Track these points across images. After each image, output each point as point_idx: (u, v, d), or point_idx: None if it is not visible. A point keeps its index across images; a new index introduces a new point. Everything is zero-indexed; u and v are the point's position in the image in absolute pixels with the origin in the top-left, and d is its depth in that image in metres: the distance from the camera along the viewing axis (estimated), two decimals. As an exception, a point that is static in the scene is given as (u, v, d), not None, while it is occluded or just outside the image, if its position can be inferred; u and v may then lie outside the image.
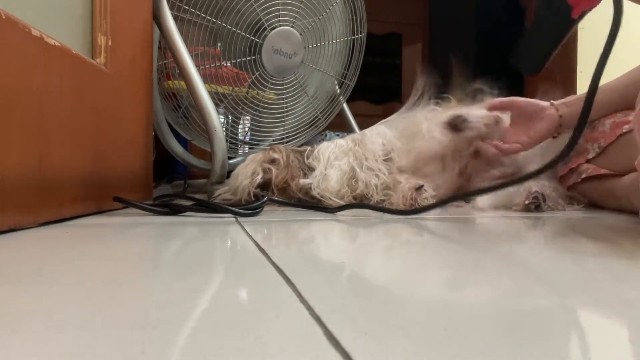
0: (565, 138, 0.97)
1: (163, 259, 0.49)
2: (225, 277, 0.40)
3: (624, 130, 0.93)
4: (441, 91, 1.04)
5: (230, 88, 1.35)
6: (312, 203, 0.97)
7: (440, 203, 0.85)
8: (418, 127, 1.01)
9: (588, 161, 0.99)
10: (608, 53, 0.58)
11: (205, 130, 1.14)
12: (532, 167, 0.98)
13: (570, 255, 0.52)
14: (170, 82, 1.36)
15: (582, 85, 2.14)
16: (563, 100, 0.97)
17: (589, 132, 0.99)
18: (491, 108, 0.97)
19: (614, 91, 0.93)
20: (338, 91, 1.56)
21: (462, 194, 0.91)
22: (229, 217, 0.79)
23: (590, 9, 0.68)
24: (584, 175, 0.99)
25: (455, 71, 1.01)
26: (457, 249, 0.57)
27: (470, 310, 0.30)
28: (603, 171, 0.96)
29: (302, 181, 0.98)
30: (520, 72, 0.77)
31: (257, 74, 1.34)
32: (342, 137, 1.22)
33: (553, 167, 0.64)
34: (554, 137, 0.96)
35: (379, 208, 0.87)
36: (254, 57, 1.32)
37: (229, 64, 1.31)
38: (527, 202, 0.90)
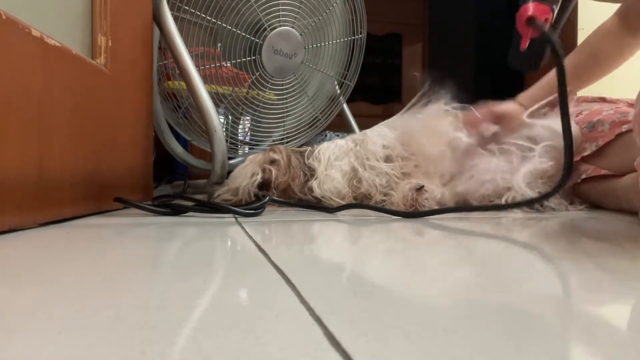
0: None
1: (163, 259, 0.49)
2: (225, 277, 0.40)
3: (623, 130, 0.93)
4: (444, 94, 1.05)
5: (230, 88, 1.35)
6: (312, 203, 0.97)
7: (443, 210, 0.84)
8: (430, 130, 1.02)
9: (584, 159, 0.99)
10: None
11: (205, 130, 1.14)
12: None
13: (571, 255, 0.51)
14: (170, 82, 1.36)
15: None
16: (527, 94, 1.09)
17: (588, 132, 1.00)
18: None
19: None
20: (338, 91, 1.56)
21: (468, 207, 0.91)
22: (229, 218, 0.79)
23: (540, 36, 0.71)
24: (583, 176, 0.99)
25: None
26: (457, 248, 0.57)
27: (470, 311, 0.30)
28: (603, 172, 0.96)
29: (310, 183, 0.98)
30: (520, 72, 0.81)
31: (257, 74, 1.34)
32: (342, 137, 1.22)
33: (557, 192, 0.66)
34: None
35: (379, 209, 0.87)
36: (254, 57, 1.32)
37: (229, 64, 1.31)
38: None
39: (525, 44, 0.74)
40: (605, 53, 1.02)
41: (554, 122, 0.97)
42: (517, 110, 1.06)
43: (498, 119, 1.05)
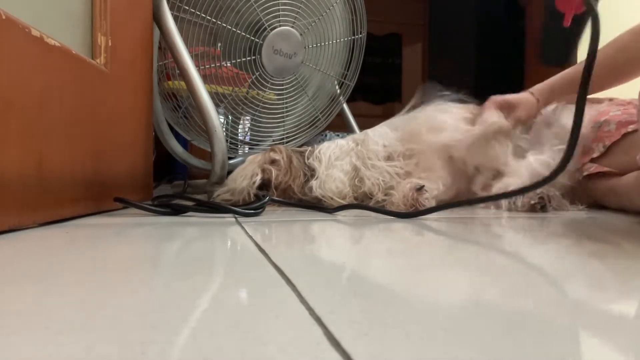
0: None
1: (163, 259, 0.49)
2: (225, 277, 0.40)
3: (629, 130, 0.93)
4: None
5: (230, 88, 1.35)
6: (312, 203, 0.97)
7: (442, 207, 0.84)
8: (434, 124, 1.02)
9: (592, 160, 0.99)
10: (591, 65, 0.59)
11: (205, 130, 1.14)
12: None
13: (572, 254, 0.51)
14: (170, 82, 1.36)
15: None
16: (539, 87, 1.10)
17: (593, 132, 1.00)
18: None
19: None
20: (338, 91, 1.56)
21: (466, 201, 0.91)
22: (229, 218, 0.79)
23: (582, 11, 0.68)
24: (585, 173, 0.99)
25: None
26: (458, 248, 0.57)
27: (470, 310, 0.30)
28: (606, 169, 0.96)
29: (311, 183, 0.98)
30: (553, 64, 0.79)
31: (257, 74, 1.34)
32: (342, 137, 1.22)
33: (556, 177, 0.65)
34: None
35: (378, 210, 0.87)
36: (254, 57, 1.32)
37: (229, 64, 1.31)
38: (533, 202, 0.90)
39: (568, 21, 0.70)
40: (637, 53, 0.98)
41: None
42: (530, 100, 1.07)
43: (510, 108, 1.06)
